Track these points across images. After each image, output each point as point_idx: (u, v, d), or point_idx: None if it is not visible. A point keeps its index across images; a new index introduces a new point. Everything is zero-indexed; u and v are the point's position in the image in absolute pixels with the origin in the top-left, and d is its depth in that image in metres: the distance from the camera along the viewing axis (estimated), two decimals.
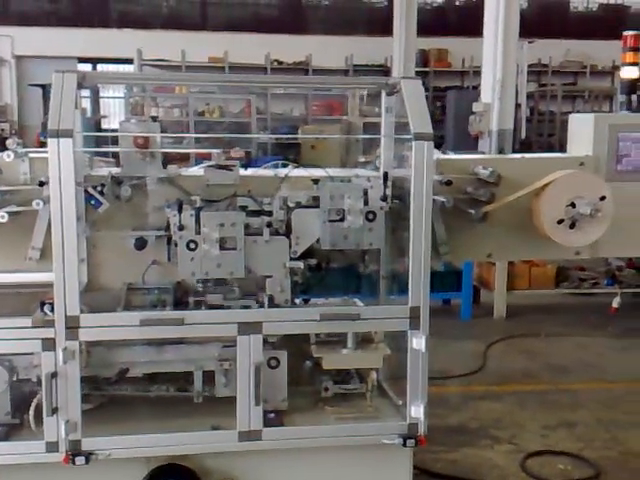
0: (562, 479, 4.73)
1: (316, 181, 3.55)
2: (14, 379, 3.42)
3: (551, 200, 3.60)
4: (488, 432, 5.28)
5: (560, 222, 3.60)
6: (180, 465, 3.42)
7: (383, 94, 3.76)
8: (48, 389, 3.18)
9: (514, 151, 12.54)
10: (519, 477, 4.71)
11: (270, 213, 3.49)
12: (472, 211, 3.65)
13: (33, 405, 3.34)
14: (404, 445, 3.45)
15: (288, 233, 3.49)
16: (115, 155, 3.76)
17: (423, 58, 19.73)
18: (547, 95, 19.03)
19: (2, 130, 17.64)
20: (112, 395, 3.55)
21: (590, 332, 7.77)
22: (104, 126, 16.73)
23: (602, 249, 3.93)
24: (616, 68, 20.29)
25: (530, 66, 13.87)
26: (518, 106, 12.80)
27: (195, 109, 14.48)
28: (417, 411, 3.44)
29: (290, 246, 3.48)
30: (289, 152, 13.15)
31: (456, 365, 6.53)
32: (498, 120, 12.17)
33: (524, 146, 14.44)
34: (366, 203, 3.44)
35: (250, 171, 3.79)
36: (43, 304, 3.30)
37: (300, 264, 3.51)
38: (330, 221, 3.45)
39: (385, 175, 3.50)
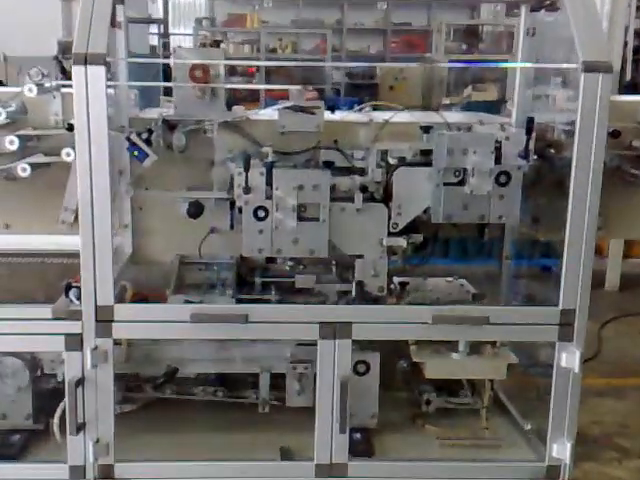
0: None
1: (427, 129, 2.76)
2: (37, 374, 2.83)
3: None
4: (613, 441, 4.35)
5: None
6: None
7: (523, 10, 2.97)
8: (72, 400, 2.54)
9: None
10: None
11: (363, 172, 2.78)
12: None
13: (58, 412, 2.72)
14: None
15: (387, 199, 2.74)
16: None
17: None
18: None
19: None
20: (154, 398, 2.97)
21: None
22: None
23: None
24: None
25: None
26: (624, 44, 11.72)
27: (267, 45, 13.64)
28: (562, 450, 2.61)
29: (389, 217, 2.73)
30: (364, 93, 12.19)
31: None
32: None
33: (629, 89, 13.27)
34: (497, 161, 2.59)
35: (337, 115, 3.00)
36: (69, 287, 2.56)
37: (402, 241, 2.76)
38: (446, 184, 2.64)
39: (530, 122, 2.58)
